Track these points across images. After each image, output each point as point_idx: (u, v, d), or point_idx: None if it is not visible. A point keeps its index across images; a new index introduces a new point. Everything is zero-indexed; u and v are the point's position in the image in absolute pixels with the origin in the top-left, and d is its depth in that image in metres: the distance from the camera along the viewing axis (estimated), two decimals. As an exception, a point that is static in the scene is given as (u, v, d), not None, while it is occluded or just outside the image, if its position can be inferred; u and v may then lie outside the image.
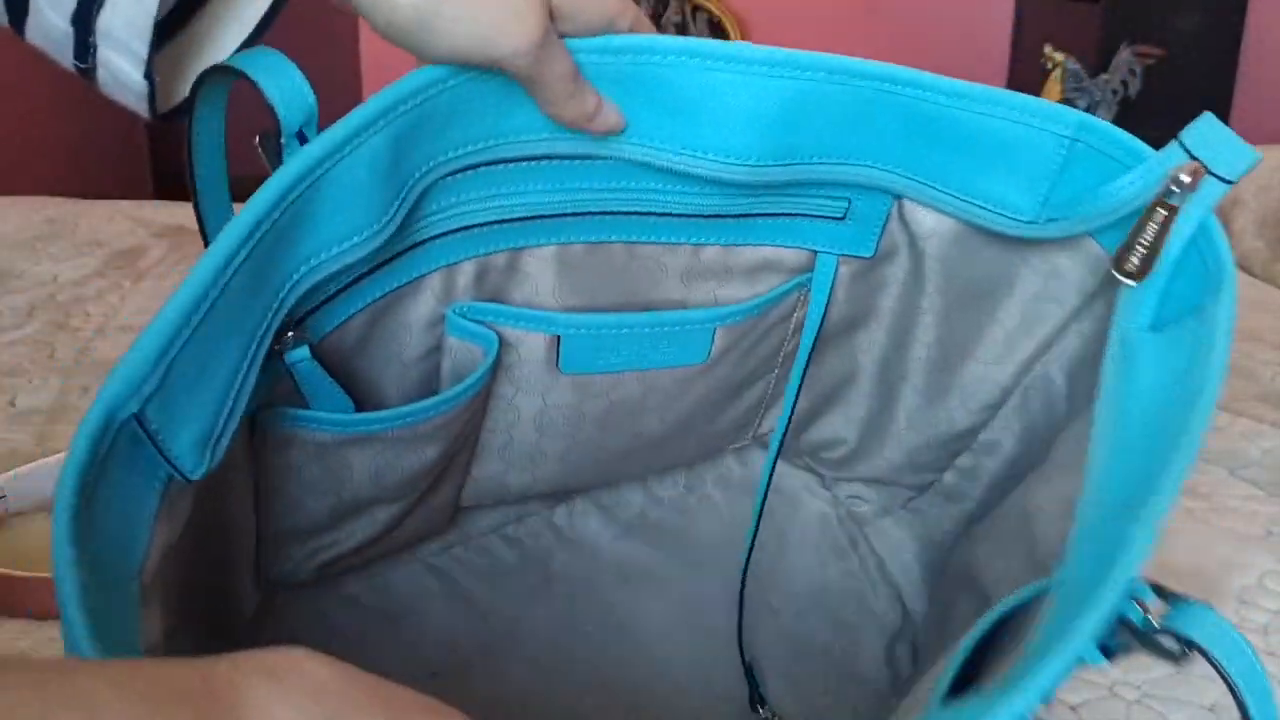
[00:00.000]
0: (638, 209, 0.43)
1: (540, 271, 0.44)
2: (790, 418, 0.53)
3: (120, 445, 0.29)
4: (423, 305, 0.42)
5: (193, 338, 0.30)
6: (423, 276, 0.41)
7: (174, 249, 1.15)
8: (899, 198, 0.44)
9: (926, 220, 0.45)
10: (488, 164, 0.39)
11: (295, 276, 0.35)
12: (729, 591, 0.56)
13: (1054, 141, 0.39)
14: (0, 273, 1.06)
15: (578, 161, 0.41)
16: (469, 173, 0.39)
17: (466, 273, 0.42)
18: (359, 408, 0.41)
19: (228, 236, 0.31)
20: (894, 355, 0.49)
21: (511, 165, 0.40)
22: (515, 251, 0.43)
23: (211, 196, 0.39)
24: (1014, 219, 0.41)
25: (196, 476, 0.31)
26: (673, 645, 0.55)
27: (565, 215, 0.42)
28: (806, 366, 0.51)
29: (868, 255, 0.47)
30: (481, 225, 0.41)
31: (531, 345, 0.44)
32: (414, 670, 0.49)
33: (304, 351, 0.38)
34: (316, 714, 0.22)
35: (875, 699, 0.55)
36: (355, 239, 0.35)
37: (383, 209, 0.36)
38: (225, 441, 0.32)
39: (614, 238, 0.44)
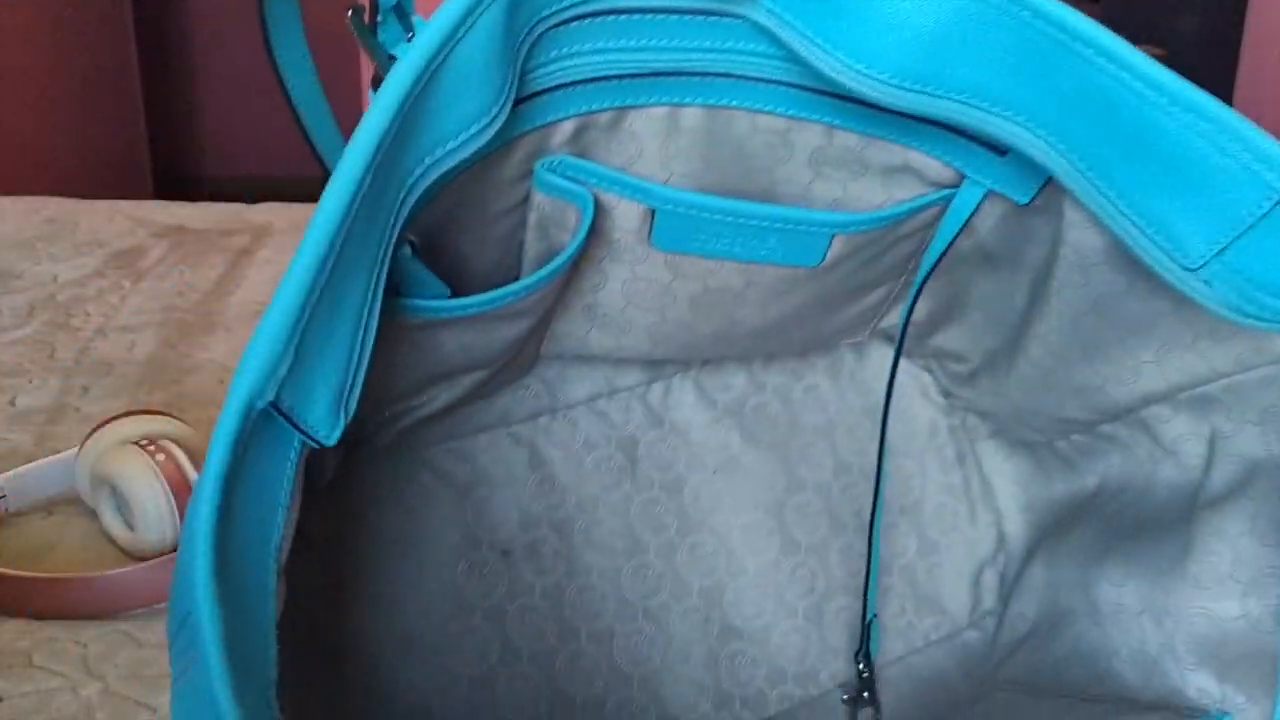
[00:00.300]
0: (767, 76, 0.37)
1: (648, 133, 0.38)
2: (906, 325, 0.48)
3: (254, 438, 0.26)
4: (514, 165, 0.38)
5: (321, 297, 0.27)
6: (517, 138, 0.37)
7: (174, 249, 1.15)
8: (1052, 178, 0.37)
9: (1075, 210, 0.39)
10: (597, 14, 0.35)
11: (410, 180, 0.30)
12: (822, 498, 0.53)
13: (1261, 190, 0.32)
14: (0, 273, 1.06)
15: (700, 17, 0.36)
16: (576, 24, 0.35)
17: (564, 130, 0.37)
18: (446, 276, 0.37)
19: (347, 170, 0.27)
20: (1026, 315, 0.45)
21: (624, 16, 0.35)
22: (621, 110, 0.38)
23: (287, 38, 0.36)
24: (1175, 260, 0.34)
25: (331, 443, 0.28)
26: (751, 550, 0.52)
27: (682, 74, 0.37)
28: (925, 281, 0.46)
29: (1022, 202, 0.41)
30: (587, 81, 0.36)
31: (624, 213, 0.40)
32: (484, 546, 0.48)
33: (407, 250, 0.34)
34: None
35: (950, 626, 0.53)
36: (474, 127, 0.31)
37: (501, 87, 0.32)
38: (357, 392, 0.29)
39: (736, 103, 0.38)
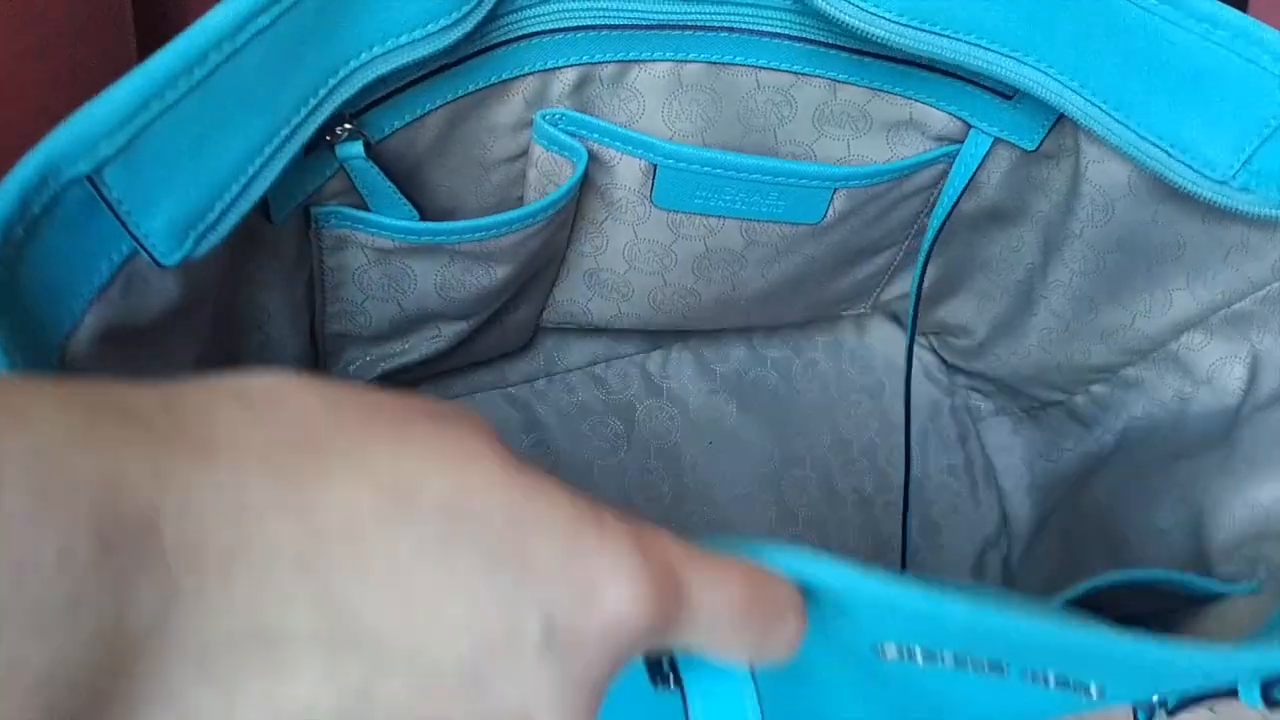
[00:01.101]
0: (770, 29, 0.37)
1: (650, 90, 0.38)
2: (919, 292, 0.48)
3: (63, 207, 0.25)
4: (512, 109, 0.38)
5: (182, 102, 0.26)
6: (515, 79, 0.37)
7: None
8: (1064, 116, 0.37)
9: (1094, 144, 0.39)
10: None
11: (352, 64, 0.30)
12: (819, 473, 0.53)
13: None
14: None
15: None
16: None
17: (566, 79, 0.37)
18: (430, 215, 0.38)
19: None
20: (1039, 266, 0.45)
21: None
22: (625, 64, 0.38)
23: None
24: (1202, 174, 0.33)
25: (170, 263, 0.27)
26: (748, 520, 0.52)
27: (685, 27, 0.37)
28: (934, 242, 0.46)
29: (1029, 149, 0.41)
30: (588, 28, 0.36)
31: (625, 170, 0.40)
32: None
33: (357, 148, 0.34)
34: (300, 440, 0.18)
35: None
36: (430, 27, 0.31)
37: None
38: (221, 230, 0.28)
39: (740, 59, 0.38)
